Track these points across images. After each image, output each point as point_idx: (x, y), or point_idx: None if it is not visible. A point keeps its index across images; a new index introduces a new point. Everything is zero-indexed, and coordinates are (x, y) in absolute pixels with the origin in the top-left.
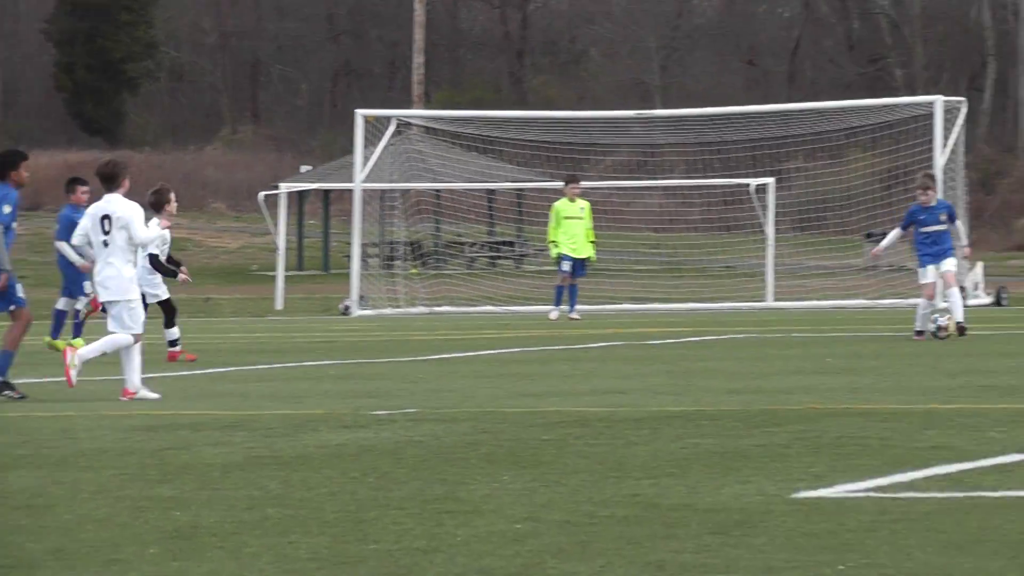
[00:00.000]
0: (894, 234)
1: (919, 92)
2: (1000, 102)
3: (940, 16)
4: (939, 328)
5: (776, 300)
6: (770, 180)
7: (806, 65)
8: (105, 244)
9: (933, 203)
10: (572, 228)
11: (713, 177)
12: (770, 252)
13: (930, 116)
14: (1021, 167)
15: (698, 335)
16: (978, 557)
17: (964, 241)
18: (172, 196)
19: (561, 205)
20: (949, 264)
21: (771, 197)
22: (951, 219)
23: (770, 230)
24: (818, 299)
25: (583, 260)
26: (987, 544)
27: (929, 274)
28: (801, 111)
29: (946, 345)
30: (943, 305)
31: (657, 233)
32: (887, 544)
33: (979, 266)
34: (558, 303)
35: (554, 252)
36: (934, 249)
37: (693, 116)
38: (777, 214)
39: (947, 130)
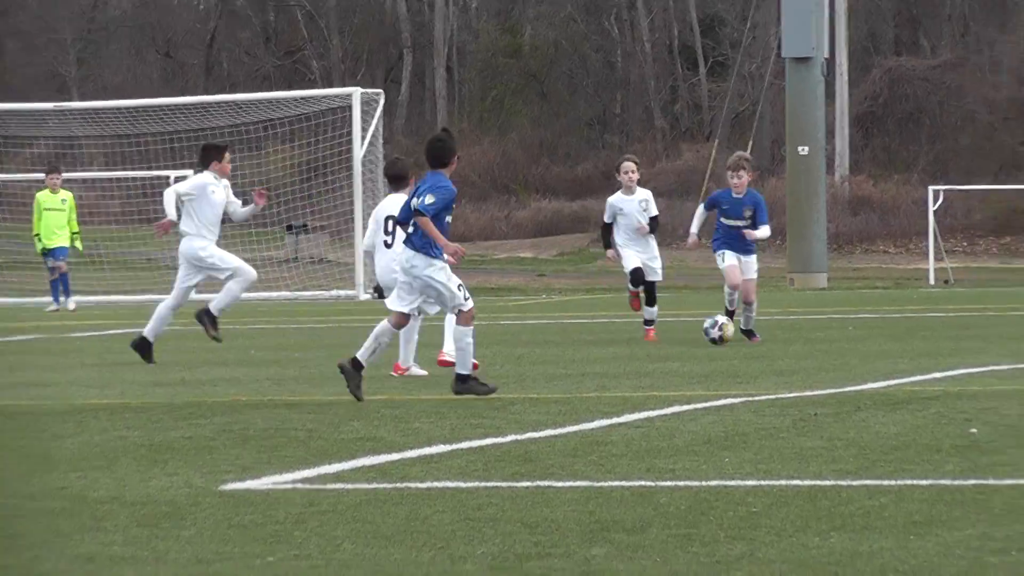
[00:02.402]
0: (697, 213)
1: (336, 84)
2: (418, 93)
3: (357, 8)
4: (719, 339)
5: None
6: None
7: (223, 57)
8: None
9: (742, 193)
10: (53, 220)
11: (132, 169)
12: None
13: (348, 108)
14: None
15: (121, 328)
16: (407, 548)
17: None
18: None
19: (43, 196)
20: (751, 270)
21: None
22: (755, 220)
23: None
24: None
25: (60, 249)
26: (416, 535)
27: (728, 257)
28: (218, 103)
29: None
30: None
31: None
32: (316, 535)
33: None
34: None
35: (39, 246)
36: (735, 244)
37: (109, 108)
38: None
39: (365, 122)
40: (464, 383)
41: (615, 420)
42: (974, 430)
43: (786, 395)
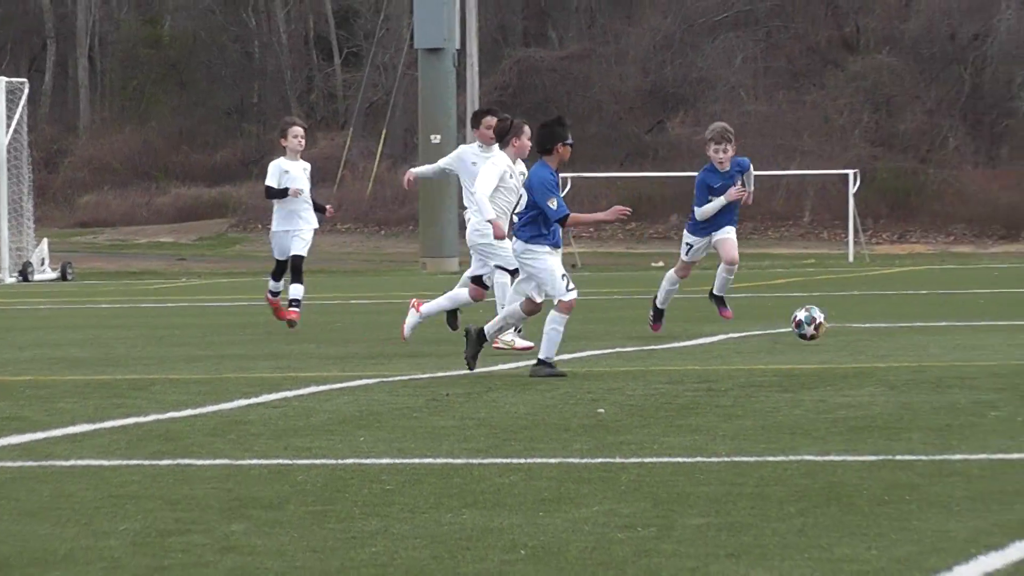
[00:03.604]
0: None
1: None
2: (61, 83)
3: None
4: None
5: None
6: None
7: None
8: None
9: (728, 167)
10: None
11: None
12: None
13: None
14: (82, 146)
15: None
16: (52, 524)
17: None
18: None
19: None
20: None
21: None
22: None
23: None
24: None
25: None
26: (61, 511)
27: (721, 232)
28: None
29: (15, 319)
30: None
31: None
32: None
33: (45, 242)
34: None
35: None
36: (723, 218)
37: None
38: None
39: (11, 110)
40: (542, 367)
41: (254, 400)
42: (601, 410)
43: (419, 376)
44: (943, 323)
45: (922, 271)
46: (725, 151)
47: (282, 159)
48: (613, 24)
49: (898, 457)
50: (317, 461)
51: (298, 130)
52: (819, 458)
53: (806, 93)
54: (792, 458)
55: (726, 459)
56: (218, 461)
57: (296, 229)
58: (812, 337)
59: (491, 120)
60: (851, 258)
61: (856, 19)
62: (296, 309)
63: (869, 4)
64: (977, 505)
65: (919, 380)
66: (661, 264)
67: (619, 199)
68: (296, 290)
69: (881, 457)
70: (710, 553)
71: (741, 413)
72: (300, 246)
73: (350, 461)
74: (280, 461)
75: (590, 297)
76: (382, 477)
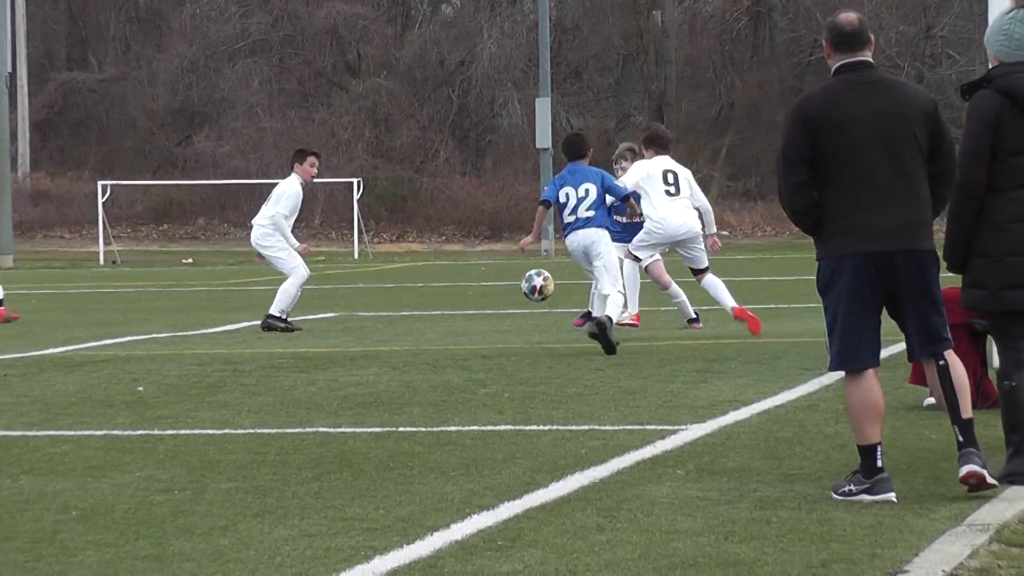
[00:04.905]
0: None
1: None
2: None
3: None
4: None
5: None
6: None
7: None
8: None
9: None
10: None
11: None
12: None
13: None
14: None
15: None
16: None
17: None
18: None
19: None
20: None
21: None
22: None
23: None
24: None
25: None
26: None
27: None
28: None
29: None
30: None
31: None
32: None
33: None
34: None
35: None
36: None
37: None
38: None
39: None
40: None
41: None
42: (141, 388)
43: None
44: (437, 312)
45: (419, 266)
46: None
47: None
48: (145, 51)
49: (401, 429)
50: None
51: None
52: (332, 430)
53: (315, 111)
54: (308, 430)
55: (251, 431)
56: None
57: None
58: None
59: (315, 160)
60: (356, 255)
61: (357, 47)
62: None
63: (368, 34)
64: (471, 470)
65: (418, 361)
66: (191, 261)
67: (152, 204)
68: None
69: (386, 429)
70: (239, 513)
71: (263, 391)
72: None
73: None
74: None
75: (129, 290)
76: None
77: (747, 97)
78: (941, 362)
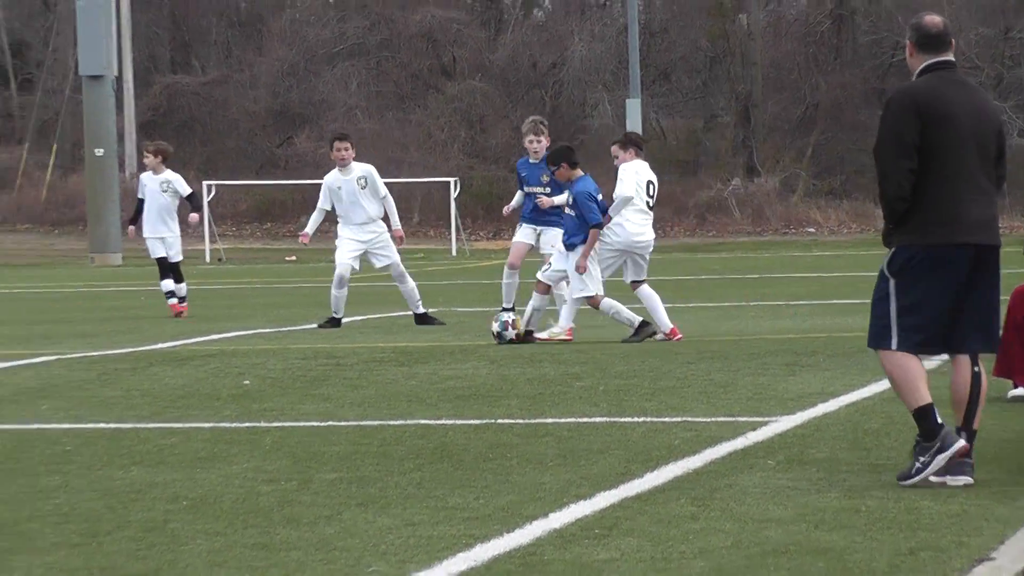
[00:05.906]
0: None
1: None
2: None
3: None
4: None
5: None
6: None
7: None
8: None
9: (539, 159)
10: None
11: None
12: None
13: None
14: None
15: None
16: None
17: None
18: None
19: None
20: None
21: None
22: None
23: None
24: None
25: None
26: None
27: (519, 231)
28: None
29: None
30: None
31: None
32: None
33: None
34: None
35: None
36: (534, 216)
37: None
38: None
39: None
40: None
41: None
42: (247, 381)
43: (92, 353)
44: None
45: None
46: (539, 142)
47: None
48: (246, 55)
49: (499, 421)
50: (5, 427)
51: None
52: (432, 422)
53: (411, 113)
54: (409, 422)
55: (353, 423)
56: None
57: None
58: (518, 336)
59: (340, 143)
60: (454, 252)
61: (452, 50)
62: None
63: (463, 38)
64: (567, 461)
65: (515, 355)
66: (294, 259)
67: (255, 203)
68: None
69: (484, 421)
70: (343, 503)
71: (365, 384)
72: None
73: (34, 427)
74: None
75: (234, 286)
76: (62, 440)
77: (830, 98)
78: (976, 368)
